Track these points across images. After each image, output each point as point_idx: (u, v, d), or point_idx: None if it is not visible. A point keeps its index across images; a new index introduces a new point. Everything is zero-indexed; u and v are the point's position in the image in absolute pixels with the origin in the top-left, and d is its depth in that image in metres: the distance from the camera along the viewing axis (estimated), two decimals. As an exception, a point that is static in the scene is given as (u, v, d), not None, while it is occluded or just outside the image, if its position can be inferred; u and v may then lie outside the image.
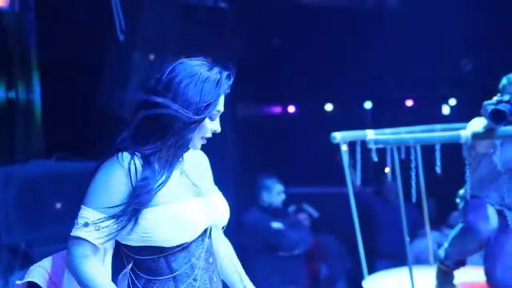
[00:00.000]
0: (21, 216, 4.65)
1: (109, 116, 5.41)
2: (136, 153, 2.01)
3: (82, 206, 1.99)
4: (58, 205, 4.92)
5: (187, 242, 2.06)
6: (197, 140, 2.10)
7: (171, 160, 2.07)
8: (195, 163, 2.21)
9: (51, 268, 2.04)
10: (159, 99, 1.99)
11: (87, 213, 1.97)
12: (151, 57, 5.63)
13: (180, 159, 2.12)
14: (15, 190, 4.70)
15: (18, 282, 2.02)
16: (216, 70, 2.07)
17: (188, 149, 2.11)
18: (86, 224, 1.96)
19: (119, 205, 1.97)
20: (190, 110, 2.01)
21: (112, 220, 1.97)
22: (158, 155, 2.04)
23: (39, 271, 2.03)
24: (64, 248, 2.14)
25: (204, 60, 2.10)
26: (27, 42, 5.37)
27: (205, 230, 2.13)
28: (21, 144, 5.24)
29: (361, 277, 4.52)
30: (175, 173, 2.09)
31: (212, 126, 2.10)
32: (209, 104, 2.04)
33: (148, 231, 2.00)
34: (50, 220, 4.75)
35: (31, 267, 2.05)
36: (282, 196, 5.49)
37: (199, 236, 2.10)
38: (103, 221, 1.96)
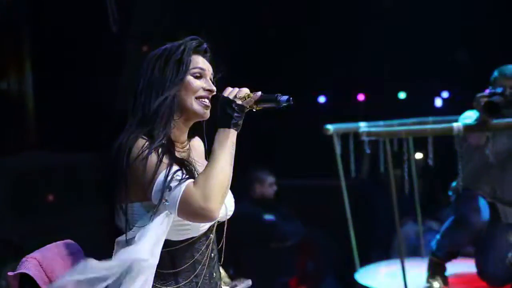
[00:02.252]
0: (13, 208, 4.64)
1: (102, 109, 5.40)
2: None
3: (154, 181, 1.91)
4: (50, 197, 4.91)
5: (193, 237, 2.03)
6: (192, 102, 2.08)
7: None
8: (198, 151, 2.19)
9: (43, 259, 2.03)
10: (142, 99, 2.03)
11: (165, 172, 1.91)
12: (145, 48, 5.62)
13: (187, 143, 2.10)
14: (7, 182, 4.69)
15: (10, 273, 2.01)
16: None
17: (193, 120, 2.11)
18: (173, 175, 1.91)
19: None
20: (165, 80, 2.04)
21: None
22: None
23: (32, 262, 2.02)
24: (57, 239, 2.14)
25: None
26: (19, 33, 5.35)
27: (211, 225, 2.09)
28: (13, 136, 5.23)
29: (352, 269, 4.53)
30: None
31: (201, 84, 2.09)
32: (180, 64, 2.05)
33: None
34: (42, 212, 4.74)
35: (23, 259, 2.04)
36: (274, 188, 5.50)
37: (205, 232, 2.07)
38: (176, 169, 1.93)
